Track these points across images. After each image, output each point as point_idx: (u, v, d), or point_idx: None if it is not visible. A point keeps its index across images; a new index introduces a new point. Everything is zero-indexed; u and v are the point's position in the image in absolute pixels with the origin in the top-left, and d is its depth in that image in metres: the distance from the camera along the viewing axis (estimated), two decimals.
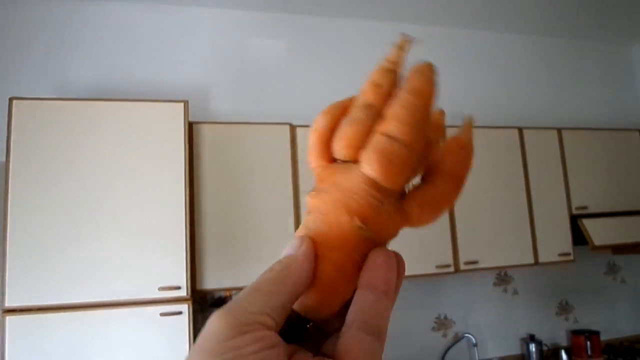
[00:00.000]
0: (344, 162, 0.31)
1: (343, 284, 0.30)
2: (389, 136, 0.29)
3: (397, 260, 0.31)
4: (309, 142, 0.34)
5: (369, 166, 0.29)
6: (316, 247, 0.30)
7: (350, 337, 0.27)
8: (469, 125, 0.35)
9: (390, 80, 0.34)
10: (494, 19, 3.41)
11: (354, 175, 0.30)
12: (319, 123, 0.34)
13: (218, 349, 0.24)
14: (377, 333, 0.28)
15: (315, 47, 3.19)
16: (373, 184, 0.29)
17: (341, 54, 3.20)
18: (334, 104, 0.34)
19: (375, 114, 0.31)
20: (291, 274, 0.29)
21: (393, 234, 0.31)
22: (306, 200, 0.32)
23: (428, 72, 0.33)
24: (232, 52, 3.00)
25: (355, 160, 0.30)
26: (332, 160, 0.33)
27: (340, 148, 0.31)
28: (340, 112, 0.34)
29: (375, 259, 0.29)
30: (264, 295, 0.27)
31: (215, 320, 0.25)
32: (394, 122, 0.30)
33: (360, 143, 0.30)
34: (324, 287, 0.30)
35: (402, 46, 0.34)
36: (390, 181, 0.29)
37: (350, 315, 0.28)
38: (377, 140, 0.29)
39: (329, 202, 0.30)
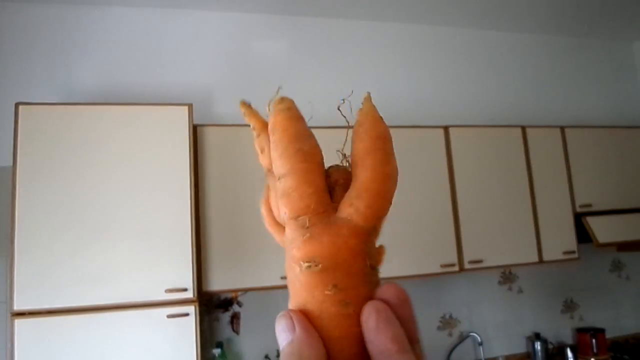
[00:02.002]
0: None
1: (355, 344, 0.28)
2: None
3: (395, 297, 0.28)
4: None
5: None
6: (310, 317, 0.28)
7: None
8: (367, 99, 0.36)
9: (263, 143, 0.35)
10: (497, 17, 3.42)
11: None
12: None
13: None
14: None
15: (319, 49, 3.20)
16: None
17: (344, 55, 3.22)
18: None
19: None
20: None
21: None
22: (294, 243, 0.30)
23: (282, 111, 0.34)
24: (235, 54, 3.02)
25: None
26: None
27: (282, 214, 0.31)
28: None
29: (367, 322, 0.27)
30: None
31: None
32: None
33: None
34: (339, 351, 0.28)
35: (245, 112, 0.37)
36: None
37: None
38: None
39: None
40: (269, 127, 0.32)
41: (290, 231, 0.30)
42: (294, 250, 0.29)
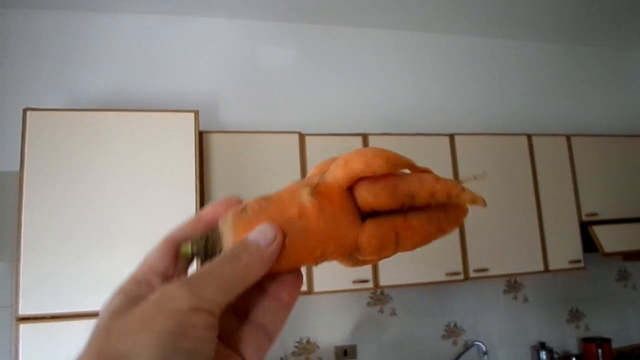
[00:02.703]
0: None
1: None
2: None
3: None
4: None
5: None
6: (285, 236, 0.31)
7: None
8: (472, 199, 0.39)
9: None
10: (502, 26, 3.42)
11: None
12: None
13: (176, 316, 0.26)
14: None
15: (324, 56, 3.21)
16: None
17: (350, 62, 3.23)
18: None
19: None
20: (253, 274, 0.30)
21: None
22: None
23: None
24: (241, 61, 3.04)
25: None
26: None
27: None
28: None
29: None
30: (224, 290, 0.28)
31: (176, 291, 0.27)
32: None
33: None
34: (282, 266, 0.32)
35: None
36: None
37: None
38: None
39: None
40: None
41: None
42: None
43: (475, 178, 0.37)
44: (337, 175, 0.33)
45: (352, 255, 0.34)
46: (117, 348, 0.25)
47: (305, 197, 0.32)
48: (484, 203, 0.37)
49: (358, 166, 0.33)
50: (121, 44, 2.88)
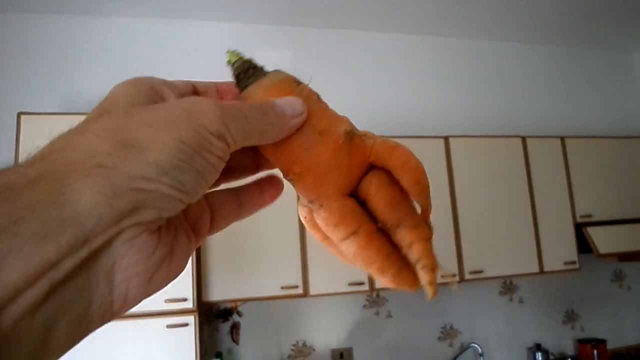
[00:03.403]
0: None
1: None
2: None
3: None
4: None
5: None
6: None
7: None
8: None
9: None
10: (497, 28, 3.44)
11: None
12: None
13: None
14: None
15: (321, 59, 3.22)
16: None
17: (346, 65, 3.23)
18: None
19: None
20: (271, 133, 0.30)
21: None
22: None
23: None
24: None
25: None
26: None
27: None
28: None
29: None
30: (245, 134, 0.28)
31: (209, 108, 0.27)
32: None
33: None
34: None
35: None
36: None
37: None
38: None
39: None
40: None
41: None
42: None
43: (453, 276, 0.37)
44: (377, 147, 0.33)
45: (314, 205, 0.33)
46: (136, 136, 0.24)
47: (339, 131, 0.32)
48: (431, 294, 0.34)
49: (397, 162, 0.33)
50: (116, 47, 2.88)
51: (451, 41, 3.51)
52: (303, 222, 0.36)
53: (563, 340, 3.36)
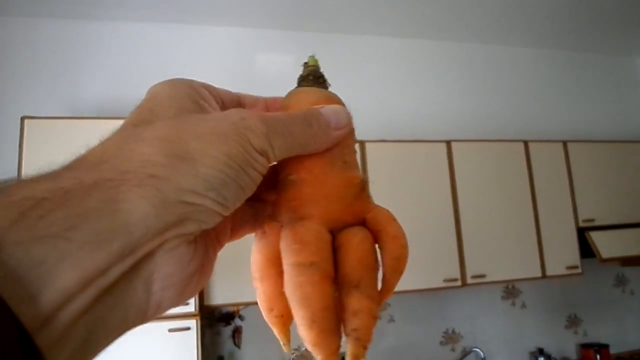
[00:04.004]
0: None
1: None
2: None
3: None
4: None
5: None
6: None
7: None
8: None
9: None
10: (499, 32, 3.44)
11: None
12: None
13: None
14: None
15: (323, 63, 3.18)
16: None
17: (347, 69, 3.24)
18: None
19: None
20: (312, 146, 0.31)
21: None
22: None
23: None
24: (241, 68, 3.04)
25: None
26: None
27: None
28: None
29: None
30: (287, 148, 0.29)
31: (256, 125, 0.27)
32: None
33: None
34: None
35: None
36: None
37: None
38: None
39: None
40: None
41: None
42: None
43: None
44: (380, 210, 0.33)
45: (293, 216, 0.31)
46: (188, 147, 0.25)
47: (357, 174, 0.33)
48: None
49: (392, 232, 0.32)
50: (120, 51, 2.89)
51: (453, 45, 3.51)
52: (255, 236, 0.34)
53: (565, 344, 3.35)
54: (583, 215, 3.08)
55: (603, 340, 3.31)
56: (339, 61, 3.25)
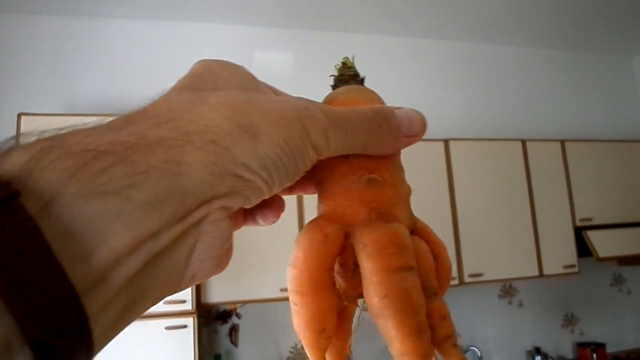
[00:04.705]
0: None
1: None
2: None
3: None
4: None
5: None
6: None
7: None
8: None
9: None
10: (497, 31, 3.44)
11: None
12: None
13: None
14: None
15: (321, 62, 3.21)
16: None
17: None
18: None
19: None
20: (376, 149, 0.29)
21: None
22: None
23: None
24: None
25: None
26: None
27: None
28: None
29: None
30: (341, 148, 0.28)
31: (318, 116, 0.27)
32: None
33: None
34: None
35: None
36: None
37: None
38: None
39: None
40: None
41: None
42: None
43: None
44: (421, 222, 0.32)
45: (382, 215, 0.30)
46: (252, 121, 0.24)
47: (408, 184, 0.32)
48: None
49: (438, 243, 0.32)
50: (117, 48, 2.88)
51: (451, 44, 3.51)
52: (308, 240, 0.30)
53: (562, 343, 3.35)
54: (580, 214, 3.09)
55: (600, 340, 3.32)
56: (336, 60, 3.24)
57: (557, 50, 3.76)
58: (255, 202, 0.26)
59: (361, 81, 0.35)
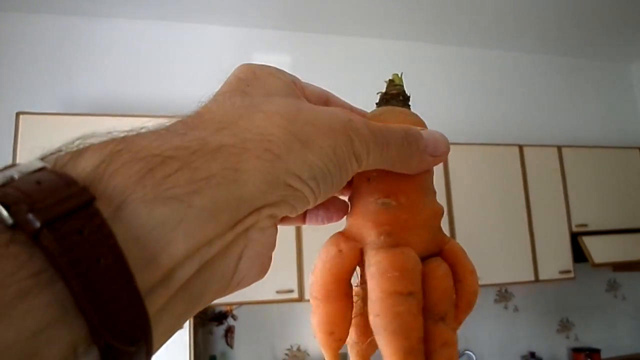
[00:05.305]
0: None
1: None
2: None
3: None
4: None
5: None
6: None
7: None
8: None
9: None
10: (495, 37, 3.45)
11: None
12: None
13: None
14: None
15: (319, 65, 3.23)
16: None
17: (344, 71, 3.24)
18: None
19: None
20: (403, 167, 0.30)
21: None
22: None
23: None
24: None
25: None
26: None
27: None
28: None
29: None
30: (378, 162, 0.28)
31: (361, 128, 0.27)
32: None
33: None
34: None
35: None
36: None
37: None
38: None
39: None
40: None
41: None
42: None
43: None
44: (455, 243, 0.33)
45: (384, 240, 0.30)
46: (303, 131, 0.24)
47: (439, 204, 0.33)
48: None
49: (469, 267, 0.32)
50: (117, 49, 2.88)
51: (449, 49, 3.52)
52: (326, 252, 0.31)
53: (557, 349, 3.36)
54: (576, 220, 3.10)
55: (594, 345, 3.33)
56: (335, 63, 3.26)
57: (555, 56, 3.78)
58: (300, 212, 0.26)
59: (403, 100, 0.36)
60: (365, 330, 0.32)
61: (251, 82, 0.28)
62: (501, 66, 3.64)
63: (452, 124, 3.34)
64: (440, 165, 2.84)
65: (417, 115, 0.35)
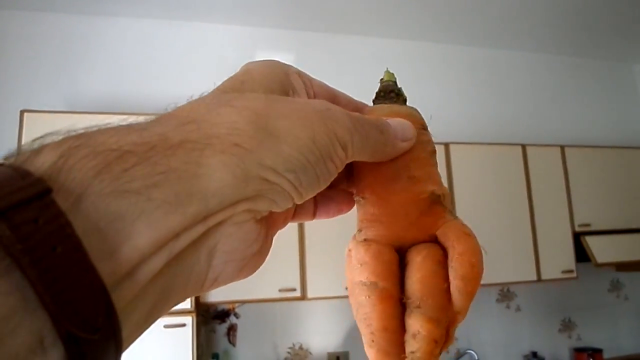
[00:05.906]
0: None
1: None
2: None
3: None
4: None
5: None
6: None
7: None
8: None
9: None
10: (498, 36, 3.45)
11: None
12: None
13: None
14: None
15: (322, 64, 3.22)
16: None
17: (347, 70, 3.24)
18: None
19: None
20: (380, 153, 0.30)
21: None
22: None
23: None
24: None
25: None
26: None
27: None
28: None
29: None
30: (360, 148, 0.28)
31: (342, 117, 0.27)
32: None
33: None
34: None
35: None
36: None
37: None
38: None
39: None
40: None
41: None
42: None
43: None
44: (452, 225, 0.32)
45: (360, 234, 0.32)
46: (275, 124, 0.24)
47: (427, 189, 0.32)
48: None
49: (462, 249, 0.30)
50: (120, 47, 2.89)
51: (452, 48, 3.52)
52: (346, 255, 0.32)
53: (559, 348, 3.36)
54: (579, 219, 3.09)
55: (597, 345, 3.33)
56: (337, 62, 3.26)
57: (559, 56, 3.77)
58: (285, 207, 0.26)
59: (395, 97, 0.36)
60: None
61: (240, 78, 0.29)
62: (505, 65, 3.63)
63: (455, 123, 3.34)
64: (443, 164, 2.85)
65: (414, 108, 0.36)
